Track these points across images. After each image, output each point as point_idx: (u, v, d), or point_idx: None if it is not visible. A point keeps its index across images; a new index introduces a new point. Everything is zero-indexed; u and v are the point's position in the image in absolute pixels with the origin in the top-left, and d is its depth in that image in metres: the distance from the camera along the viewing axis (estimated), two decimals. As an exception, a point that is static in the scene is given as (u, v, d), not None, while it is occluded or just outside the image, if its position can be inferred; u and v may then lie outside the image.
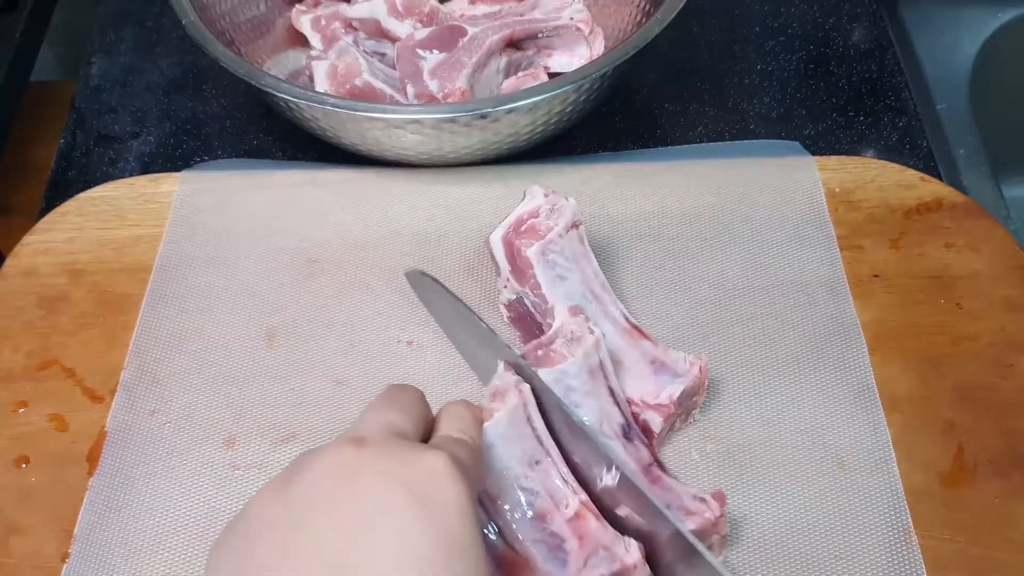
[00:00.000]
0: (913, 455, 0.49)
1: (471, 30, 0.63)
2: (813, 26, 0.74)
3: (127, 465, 0.50)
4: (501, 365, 0.46)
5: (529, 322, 0.53)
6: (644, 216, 0.59)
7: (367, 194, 0.61)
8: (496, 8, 0.70)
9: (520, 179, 0.60)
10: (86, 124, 0.69)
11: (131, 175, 0.65)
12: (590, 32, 0.66)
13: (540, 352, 0.47)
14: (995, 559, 0.46)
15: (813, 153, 0.63)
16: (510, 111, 0.55)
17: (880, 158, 0.63)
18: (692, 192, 0.60)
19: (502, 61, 0.64)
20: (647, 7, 0.65)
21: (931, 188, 0.60)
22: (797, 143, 0.64)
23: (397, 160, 0.60)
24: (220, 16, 0.63)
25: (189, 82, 0.71)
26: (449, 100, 0.60)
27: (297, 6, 0.70)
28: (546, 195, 0.52)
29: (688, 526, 0.43)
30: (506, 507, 0.43)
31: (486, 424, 0.43)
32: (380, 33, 0.67)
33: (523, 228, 0.52)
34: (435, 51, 0.63)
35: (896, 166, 0.61)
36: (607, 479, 0.44)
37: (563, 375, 0.46)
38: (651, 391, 0.48)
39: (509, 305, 0.54)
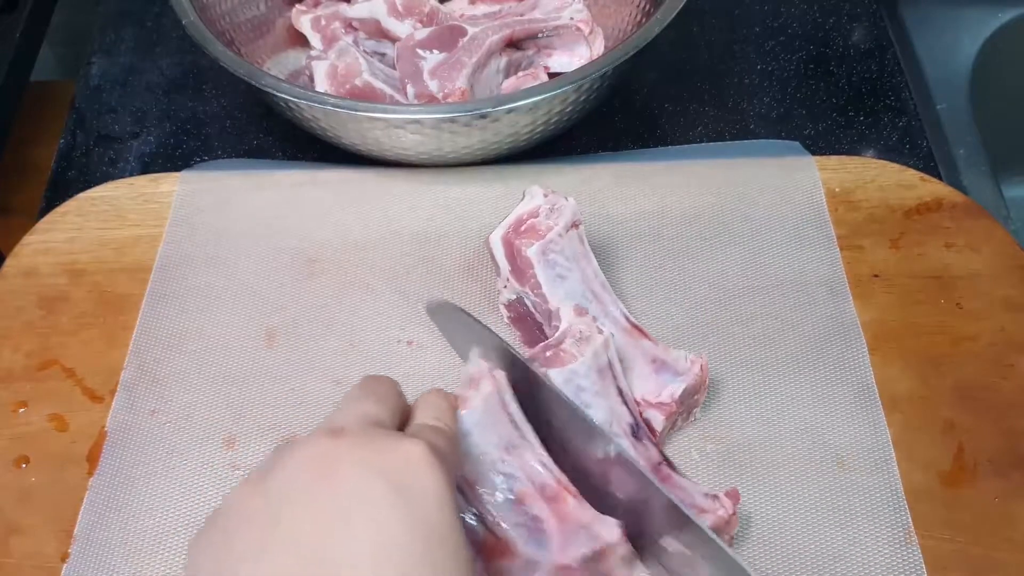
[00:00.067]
0: (913, 455, 0.49)
1: (471, 30, 0.63)
2: (813, 26, 0.74)
3: (127, 465, 0.50)
4: (475, 351, 0.46)
5: (529, 322, 0.53)
6: (644, 216, 0.59)
7: (367, 194, 0.61)
8: (496, 8, 0.70)
9: (520, 179, 0.60)
10: (86, 124, 0.69)
11: (131, 175, 0.65)
12: (590, 32, 0.66)
13: (549, 352, 0.47)
14: (995, 559, 0.46)
15: (813, 153, 0.63)
16: (510, 111, 0.55)
17: (880, 158, 0.63)
18: (692, 192, 0.60)
19: (502, 61, 0.64)
20: (647, 7, 0.65)
21: (931, 188, 0.60)
22: (797, 143, 0.64)
23: (397, 160, 0.60)
24: (220, 16, 0.63)
25: (189, 82, 0.71)
26: (449, 100, 0.60)
27: (297, 6, 0.70)
28: (545, 195, 0.52)
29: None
30: (485, 492, 0.44)
31: (461, 411, 0.43)
32: (380, 33, 0.67)
33: (523, 228, 0.52)
34: (435, 51, 0.63)
35: (896, 166, 0.61)
36: (601, 452, 0.44)
37: (573, 375, 0.46)
38: (653, 390, 0.48)
39: (509, 305, 0.54)
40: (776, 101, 0.69)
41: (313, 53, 0.68)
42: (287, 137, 0.67)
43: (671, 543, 0.43)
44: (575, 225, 0.52)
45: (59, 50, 0.89)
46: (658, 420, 0.48)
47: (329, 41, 0.68)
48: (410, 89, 0.62)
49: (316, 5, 0.70)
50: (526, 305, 0.52)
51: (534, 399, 0.47)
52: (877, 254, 0.57)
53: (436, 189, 0.61)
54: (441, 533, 0.33)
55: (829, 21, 0.75)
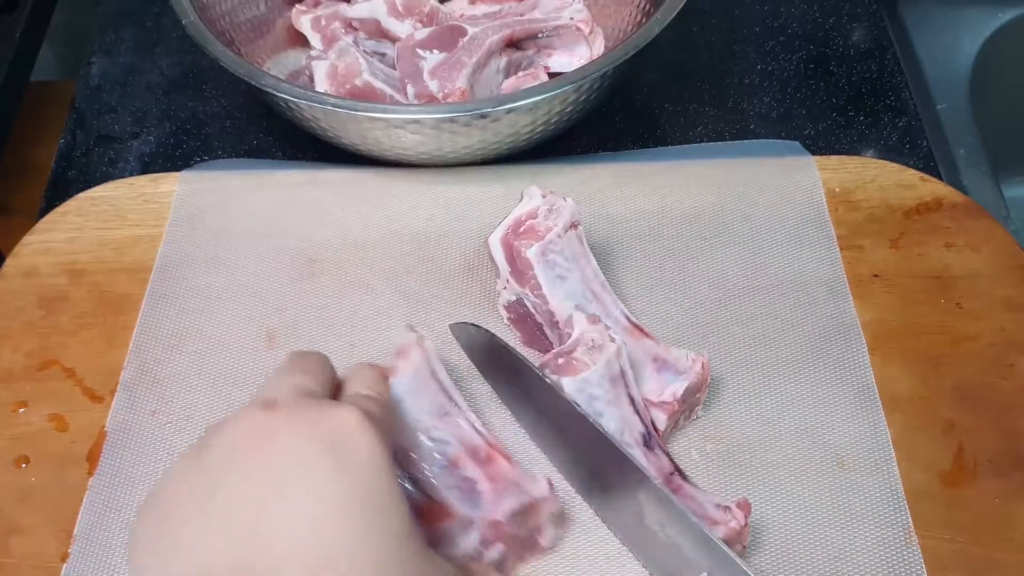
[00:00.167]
0: (913, 455, 0.49)
1: (471, 30, 0.63)
2: (813, 26, 0.74)
3: (127, 465, 0.50)
4: (405, 325, 0.47)
5: (530, 323, 0.53)
6: (644, 216, 0.59)
7: (367, 194, 0.61)
8: (496, 8, 0.70)
9: (520, 179, 0.60)
10: (86, 124, 0.69)
11: (131, 175, 0.65)
12: (590, 32, 0.66)
13: (561, 360, 0.48)
14: (995, 559, 0.46)
15: (813, 153, 0.63)
16: (510, 111, 0.55)
17: (880, 158, 0.63)
18: (692, 192, 0.60)
19: (502, 61, 0.64)
20: (647, 7, 0.65)
21: (931, 188, 0.60)
22: (797, 143, 0.64)
23: (397, 160, 0.60)
24: (220, 16, 0.63)
25: (189, 82, 0.71)
26: (449, 100, 0.60)
27: (297, 6, 0.70)
28: (544, 196, 0.52)
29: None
30: (419, 459, 0.45)
31: (392, 380, 0.45)
32: (380, 33, 0.67)
33: (522, 229, 0.52)
34: (435, 51, 0.63)
35: (896, 166, 0.61)
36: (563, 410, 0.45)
37: (585, 384, 0.47)
38: (654, 389, 0.49)
39: (509, 307, 0.54)
40: (776, 101, 0.69)
41: (313, 53, 0.68)
42: (287, 137, 0.67)
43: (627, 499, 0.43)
44: (574, 225, 0.52)
45: (59, 50, 0.89)
46: (660, 419, 0.48)
47: (329, 41, 0.68)
48: (410, 89, 0.62)
49: (316, 5, 0.70)
50: (526, 306, 0.52)
51: (550, 414, 0.47)
52: (877, 254, 0.57)
53: (436, 189, 0.61)
54: (379, 496, 0.34)
55: (829, 21, 0.75)
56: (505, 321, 0.55)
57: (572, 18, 0.65)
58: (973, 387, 0.52)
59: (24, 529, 0.48)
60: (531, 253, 0.51)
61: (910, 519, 0.47)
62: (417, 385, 0.46)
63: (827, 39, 0.73)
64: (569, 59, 0.67)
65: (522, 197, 0.53)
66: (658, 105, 0.69)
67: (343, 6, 0.69)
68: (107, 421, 0.51)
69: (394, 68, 0.64)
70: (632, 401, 0.48)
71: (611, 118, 0.68)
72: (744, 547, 0.45)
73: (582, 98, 0.58)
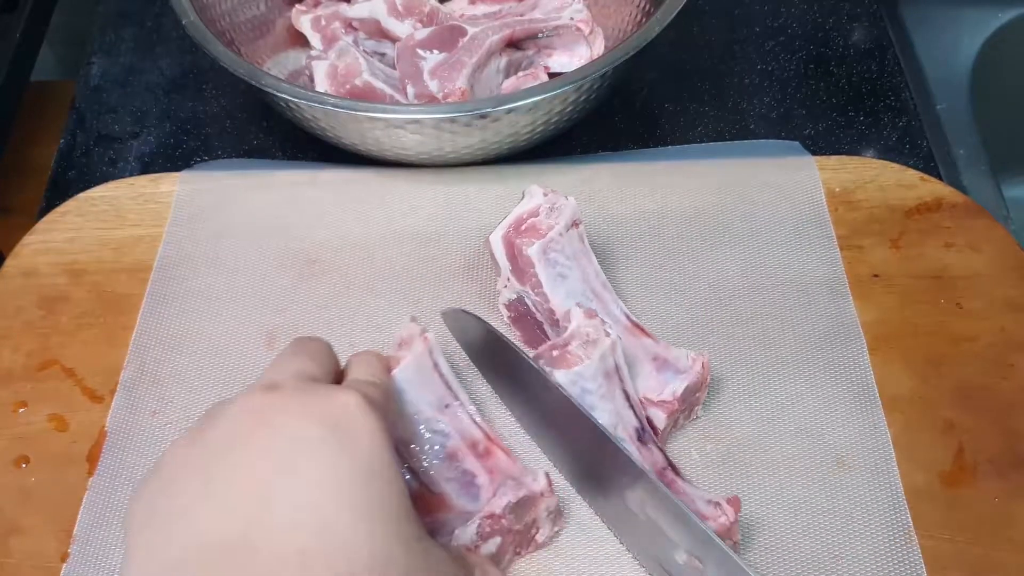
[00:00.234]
0: (913, 455, 0.49)
1: (471, 30, 0.63)
2: (813, 26, 0.74)
3: (127, 465, 0.50)
4: (408, 318, 0.47)
5: (530, 322, 0.53)
6: (644, 216, 0.59)
7: (367, 194, 0.61)
8: (496, 8, 0.70)
9: (520, 179, 0.60)
10: (86, 124, 0.69)
11: (131, 175, 0.65)
12: (590, 32, 0.66)
13: (556, 353, 0.48)
14: (995, 559, 0.46)
15: (813, 153, 0.63)
16: (510, 111, 0.55)
17: (880, 158, 0.63)
18: (692, 192, 0.60)
19: (502, 61, 0.64)
20: (647, 7, 0.65)
21: (931, 188, 0.60)
22: (797, 143, 0.64)
23: (397, 160, 0.60)
24: (220, 16, 0.63)
25: (189, 82, 0.71)
26: (449, 100, 0.60)
27: (297, 6, 0.70)
28: (545, 194, 0.52)
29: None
30: (419, 450, 0.45)
31: (394, 371, 0.45)
32: (380, 33, 0.67)
33: (523, 227, 0.52)
34: (435, 51, 0.63)
35: (896, 166, 0.61)
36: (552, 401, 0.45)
37: (579, 377, 0.47)
38: (654, 388, 0.49)
39: (509, 305, 0.54)
40: (776, 101, 0.69)
41: (313, 53, 0.68)
42: (287, 137, 0.67)
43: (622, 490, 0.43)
44: (575, 224, 0.52)
45: (59, 50, 0.89)
46: (660, 418, 0.48)
47: (329, 41, 0.68)
48: (410, 89, 0.62)
49: (316, 5, 0.70)
50: (526, 305, 0.52)
51: (539, 401, 0.47)
52: (877, 254, 0.57)
53: (436, 189, 0.61)
54: (379, 471, 0.34)
55: (829, 21, 0.75)
56: (505, 320, 0.55)
57: (572, 18, 0.65)
58: (973, 387, 0.52)
59: (24, 529, 0.48)
60: (532, 251, 0.51)
61: (910, 519, 0.47)
62: (419, 377, 0.46)
63: (827, 39, 0.73)
64: (569, 59, 0.67)
65: (524, 195, 0.53)
66: (658, 105, 0.69)
67: (343, 6, 0.69)
68: (107, 421, 0.51)
69: (394, 68, 0.64)
70: (627, 396, 0.48)
71: (611, 118, 0.68)
72: (735, 543, 0.45)
73: (582, 98, 0.58)
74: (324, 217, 0.60)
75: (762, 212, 0.59)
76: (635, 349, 0.50)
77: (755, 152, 0.63)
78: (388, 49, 0.67)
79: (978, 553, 0.46)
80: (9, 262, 0.59)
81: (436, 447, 0.46)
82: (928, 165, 0.65)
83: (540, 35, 0.66)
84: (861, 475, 0.48)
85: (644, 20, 0.63)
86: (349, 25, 0.68)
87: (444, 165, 0.61)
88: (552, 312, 0.50)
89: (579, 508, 0.47)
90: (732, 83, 0.70)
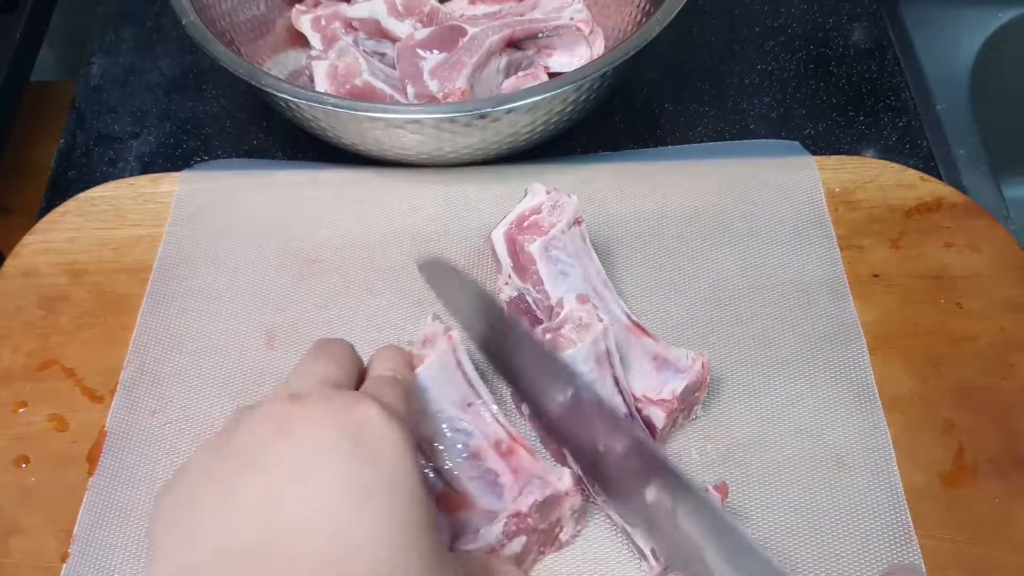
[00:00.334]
0: (913, 455, 0.49)
1: (471, 30, 0.63)
2: (813, 26, 0.74)
3: (127, 465, 0.50)
4: (429, 316, 0.48)
5: (531, 319, 0.53)
6: (644, 216, 0.59)
7: (367, 194, 0.61)
8: (496, 8, 0.70)
9: (520, 179, 0.60)
10: (86, 124, 0.69)
11: (131, 175, 0.65)
12: (590, 32, 0.66)
13: (548, 336, 0.48)
14: (995, 559, 0.46)
15: (813, 153, 0.63)
16: (510, 111, 0.55)
17: (880, 158, 0.63)
18: (692, 192, 0.60)
19: (502, 61, 0.64)
20: (647, 7, 0.65)
21: (931, 188, 0.60)
22: (797, 143, 0.64)
23: (397, 160, 0.60)
24: (220, 16, 0.63)
25: (189, 82, 0.71)
26: (449, 100, 0.60)
27: (297, 6, 0.70)
28: (548, 192, 0.53)
29: None
30: (442, 448, 0.46)
31: (418, 369, 0.45)
32: (380, 33, 0.67)
33: (525, 224, 0.52)
34: (435, 51, 0.63)
35: (896, 166, 0.61)
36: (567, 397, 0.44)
37: (571, 361, 0.47)
38: (654, 387, 0.49)
39: (510, 302, 0.54)
40: (776, 101, 0.69)
41: (313, 53, 0.68)
42: (287, 137, 0.67)
43: (651, 493, 0.42)
44: (577, 222, 0.52)
45: (59, 50, 0.89)
46: (659, 417, 0.48)
47: (329, 41, 0.68)
48: (410, 89, 0.62)
49: (316, 5, 0.70)
50: (527, 302, 0.52)
51: (515, 355, 0.46)
52: (877, 254, 0.57)
53: (436, 189, 0.61)
54: (401, 478, 0.34)
55: (829, 21, 0.75)
56: (505, 321, 0.55)
57: (572, 18, 0.65)
58: (973, 387, 0.52)
59: (24, 529, 0.48)
60: (534, 248, 0.51)
61: (910, 519, 0.47)
62: (442, 375, 0.46)
63: (827, 39, 0.73)
64: (569, 59, 0.67)
65: (526, 193, 0.53)
66: (658, 105, 0.69)
67: (343, 6, 0.69)
68: (107, 421, 0.51)
69: (394, 68, 0.64)
70: (616, 381, 0.48)
71: (611, 118, 0.68)
72: None
73: (582, 98, 0.58)
74: (324, 217, 0.60)
75: (762, 212, 0.59)
76: (635, 348, 0.50)
77: (755, 152, 0.63)
78: (388, 49, 0.67)
79: (978, 553, 0.46)
80: (9, 262, 0.59)
81: (459, 446, 0.46)
82: (928, 165, 0.65)
83: (540, 35, 0.66)
84: (861, 475, 0.48)
85: (644, 20, 0.63)
86: (349, 25, 0.68)
87: (444, 165, 0.61)
88: (553, 309, 0.50)
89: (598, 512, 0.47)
90: (732, 83, 0.70)
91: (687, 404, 0.49)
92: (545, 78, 0.64)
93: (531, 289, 0.51)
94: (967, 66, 0.77)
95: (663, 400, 0.48)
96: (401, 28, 0.65)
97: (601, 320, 0.48)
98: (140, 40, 0.75)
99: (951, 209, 0.59)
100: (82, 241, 0.59)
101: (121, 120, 0.69)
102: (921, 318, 0.55)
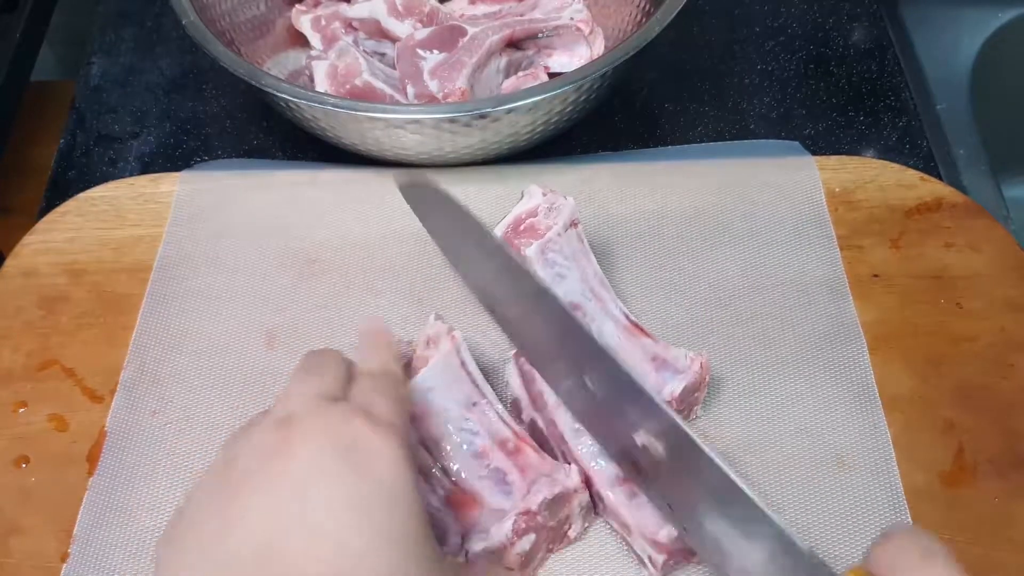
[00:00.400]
0: (913, 455, 0.49)
1: (471, 30, 0.63)
2: (813, 26, 0.74)
3: (127, 465, 0.50)
4: (432, 316, 0.48)
5: (529, 322, 0.53)
6: (644, 216, 0.59)
7: (367, 194, 0.61)
8: (496, 8, 0.70)
9: (520, 179, 0.60)
10: (86, 124, 0.69)
11: (131, 175, 0.65)
12: (590, 32, 0.66)
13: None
14: (995, 559, 0.46)
15: (813, 153, 0.63)
16: (510, 111, 0.55)
17: (880, 158, 0.63)
18: (692, 192, 0.60)
19: (502, 61, 0.64)
20: (647, 7, 0.65)
21: (931, 188, 0.60)
22: (797, 143, 0.64)
23: (397, 160, 0.60)
24: (220, 16, 0.63)
25: (189, 82, 0.71)
26: (449, 100, 0.60)
27: (297, 6, 0.70)
28: (544, 194, 0.52)
29: None
30: (449, 449, 0.46)
31: (422, 370, 0.46)
32: (380, 33, 0.67)
33: (522, 228, 0.52)
34: (435, 51, 0.63)
35: (896, 166, 0.61)
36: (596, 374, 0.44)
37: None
38: (653, 388, 0.48)
39: (509, 305, 0.54)
40: (776, 101, 0.69)
41: (313, 53, 0.68)
42: (287, 137, 0.67)
43: (645, 440, 0.42)
44: (574, 224, 0.52)
45: (59, 50, 0.89)
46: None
47: (329, 41, 0.68)
48: (410, 89, 0.62)
49: (316, 5, 0.70)
50: (526, 305, 0.52)
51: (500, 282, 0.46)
52: (877, 254, 0.57)
53: (436, 189, 0.61)
54: (396, 493, 0.34)
55: (829, 21, 0.75)
56: (505, 321, 0.55)
57: (572, 18, 0.65)
58: (973, 387, 0.52)
59: (24, 529, 0.48)
60: (530, 252, 0.51)
61: (910, 519, 0.47)
62: (447, 375, 0.47)
63: (827, 39, 0.73)
64: (569, 59, 0.67)
65: (522, 195, 0.53)
66: (658, 105, 0.69)
67: (343, 6, 0.69)
68: (107, 421, 0.51)
69: (394, 68, 0.64)
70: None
71: (611, 118, 0.68)
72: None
73: (582, 98, 0.58)
74: (324, 217, 0.60)
75: (762, 212, 0.59)
76: (633, 349, 0.50)
77: (755, 152, 0.63)
78: (388, 49, 0.67)
79: (978, 553, 0.46)
80: (9, 262, 0.59)
81: (465, 446, 0.46)
82: (928, 165, 0.65)
83: (540, 35, 0.66)
84: (861, 475, 0.48)
85: (644, 20, 0.63)
86: (349, 25, 0.68)
87: (444, 165, 0.61)
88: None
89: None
90: (732, 83, 0.70)
91: (686, 404, 0.49)
92: (545, 78, 0.65)
93: (530, 290, 0.51)
94: (967, 66, 0.77)
95: (662, 401, 0.48)
96: (401, 28, 0.65)
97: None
98: (140, 40, 0.75)
99: (951, 209, 0.59)
100: (82, 241, 0.59)
101: (121, 120, 0.69)
102: (921, 318, 0.55)
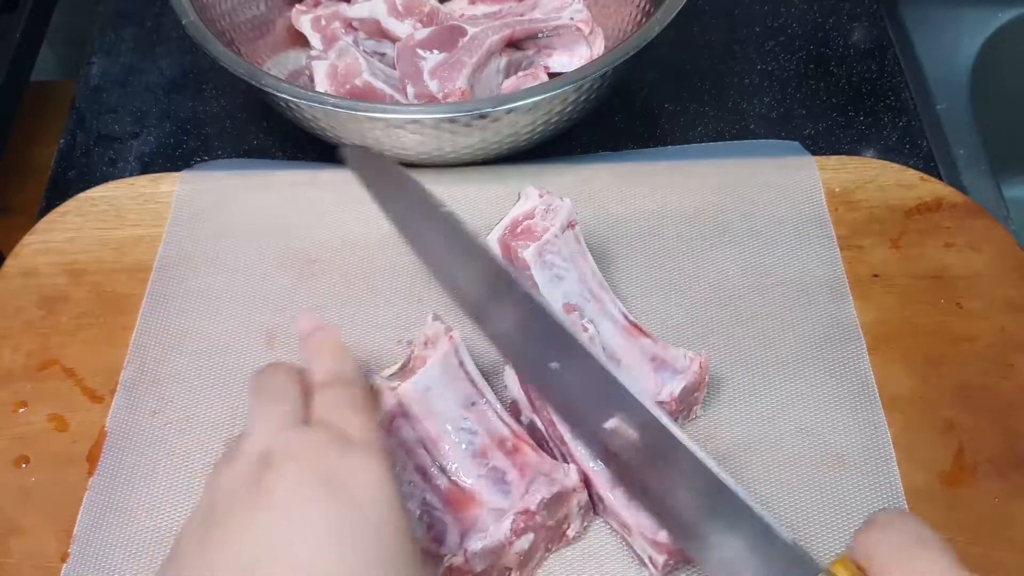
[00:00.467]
0: (913, 455, 0.49)
1: (471, 30, 0.63)
2: (813, 26, 0.74)
3: (127, 465, 0.50)
4: (430, 316, 0.47)
5: (529, 322, 0.53)
6: (644, 216, 0.59)
7: (367, 194, 0.60)
8: (496, 8, 0.70)
9: (520, 179, 0.60)
10: (86, 124, 0.69)
11: (131, 175, 0.65)
12: (590, 32, 0.66)
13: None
14: (995, 559, 0.46)
15: (813, 153, 0.63)
16: (510, 111, 0.55)
17: (880, 158, 0.63)
18: (692, 192, 0.60)
19: (502, 61, 0.64)
20: (647, 7, 0.65)
21: (931, 188, 0.60)
22: (797, 143, 0.64)
23: (397, 160, 0.60)
24: (220, 16, 0.63)
25: (189, 82, 0.71)
26: (449, 100, 0.60)
27: (297, 6, 0.70)
28: (541, 195, 0.52)
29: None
30: (447, 448, 0.46)
31: (420, 371, 0.46)
32: (380, 33, 0.67)
33: (519, 230, 0.52)
34: (435, 51, 0.63)
35: (896, 166, 0.61)
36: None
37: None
38: (652, 388, 0.48)
39: (509, 305, 0.54)
40: (776, 101, 0.69)
41: (313, 53, 0.68)
42: (287, 137, 0.67)
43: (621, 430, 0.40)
44: (571, 225, 0.52)
45: (59, 50, 0.89)
46: (658, 420, 0.48)
47: (329, 41, 0.68)
48: (410, 89, 0.62)
49: (316, 5, 0.70)
50: (526, 305, 0.52)
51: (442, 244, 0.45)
52: (877, 254, 0.57)
53: (436, 189, 0.60)
54: (381, 515, 0.34)
55: (829, 21, 0.75)
56: (505, 321, 0.55)
57: (572, 18, 0.65)
58: (973, 387, 0.52)
59: (24, 529, 0.48)
60: (528, 254, 0.51)
61: (910, 519, 0.47)
62: (445, 376, 0.47)
63: (827, 39, 0.73)
64: (569, 59, 0.67)
65: (519, 197, 0.53)
66: (658, 105, 0.69)
67: (343, 6, 0.69)
68: (107, 421, 0.51)
69: (394, 68, 0.64)
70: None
71: (611, 118, 0.68)
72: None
73: (582, 98, 0.58)
74: (324, 217, 0.60)
75: (762, 212, 0.59)
76: (632, 349, 0.50)
77: (755, 152, 0.63)
78: (388, 49, 0.67)
79: (978, 553, 0.46)
80: (9, 262, 0.59)
81: (464, 445, 0.46)
82: (928, 165, 0.65)
83: (540, 35, 0.66)
84: (861, 475, 0.48)
85: (644, 20, 0.63)
86: (349, 25, 0.68)
87: (444, 165, 0.61)
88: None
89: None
90: (732, 83, 0.70)
91: (686, 405, 0.49)
92: (545, 78, 0.65)
93: (529, 292, 0.51)
94: (967, 66, 0.77)
95: (661, 402, 0.48)
96: (401, 28, 0.65)
97: (586, 329, 0.49)
98: (140, 40, 0.75)
99: (951, 209, 0.59)
100: (82, 241, 0.59)
101: (121, 120, 0.69)
102: (921, 318, 0.55)
